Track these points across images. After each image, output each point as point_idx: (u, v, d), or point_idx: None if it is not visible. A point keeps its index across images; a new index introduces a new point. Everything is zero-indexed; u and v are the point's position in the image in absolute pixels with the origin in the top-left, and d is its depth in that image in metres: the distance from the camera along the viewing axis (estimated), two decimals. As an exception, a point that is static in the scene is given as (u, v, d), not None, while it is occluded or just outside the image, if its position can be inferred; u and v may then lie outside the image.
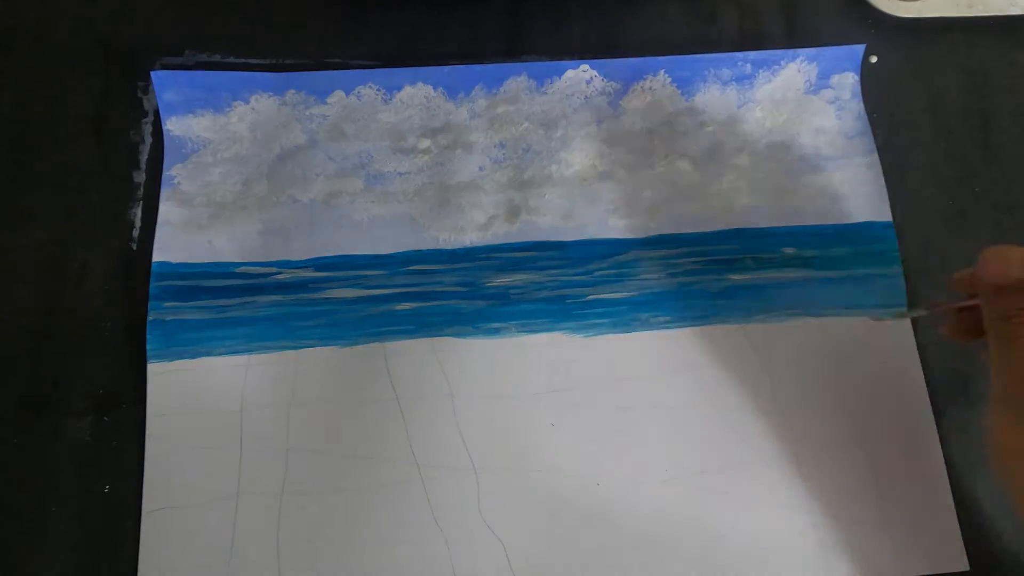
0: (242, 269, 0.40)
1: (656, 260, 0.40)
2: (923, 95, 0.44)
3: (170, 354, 0.38)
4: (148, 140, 0.42)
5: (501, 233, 0.41)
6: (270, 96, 0.42)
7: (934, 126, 0.44)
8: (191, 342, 0.38)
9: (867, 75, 0.44)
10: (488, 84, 0.43)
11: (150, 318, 0.38)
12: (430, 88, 0.43)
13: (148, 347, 0.38)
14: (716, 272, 0.40)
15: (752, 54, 0.44)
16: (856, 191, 0.42)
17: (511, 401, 0.38)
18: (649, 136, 0.43)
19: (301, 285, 0.39)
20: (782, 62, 0.44)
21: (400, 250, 0.40)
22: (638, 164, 0.42)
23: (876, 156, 0.42)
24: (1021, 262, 0.28)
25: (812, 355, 0.39)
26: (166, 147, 0.41)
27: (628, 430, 0.38)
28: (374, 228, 0.41)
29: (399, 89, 0.43)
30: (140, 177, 0.41)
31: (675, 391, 0.38)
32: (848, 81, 0.44)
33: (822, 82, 0.44)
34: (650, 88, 0.43)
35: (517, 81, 0.43)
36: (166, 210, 0.40)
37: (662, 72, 0.43)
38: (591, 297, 0.40)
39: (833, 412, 0.38)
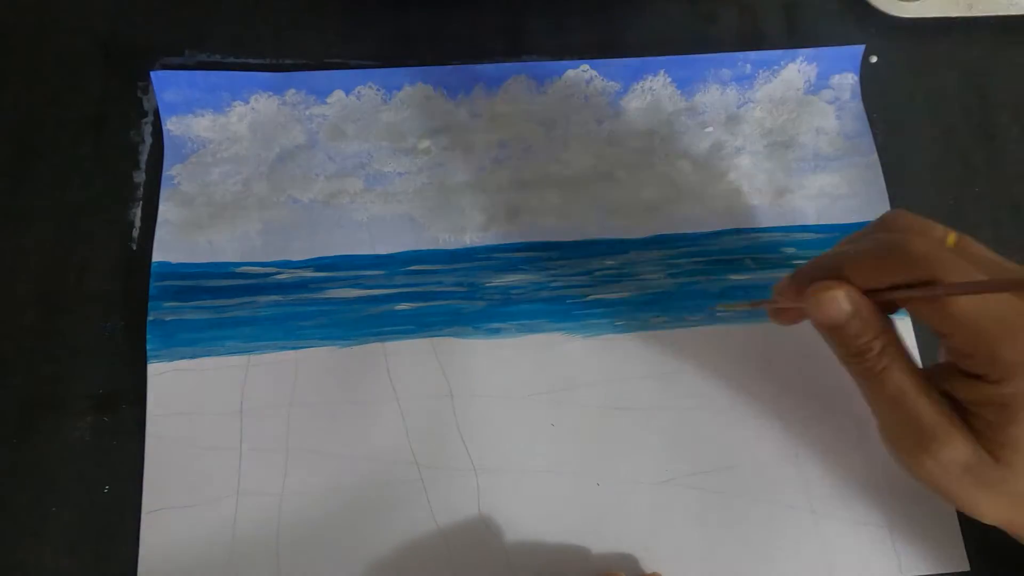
0: (242, 269, 0.40)
1: (656, 260, 0.40)
2: (923, 95, 0.44)
3: (170, 354, 0.38)
4: (148, 140, 0.42)
5: (501, 233, 0.41)
6: (270, 96, 0.42)
7: (934, 126, 0.44)
8: (191, 342, 0.38)
9: (867, 75, 0.44)
10: (488, 84, 0.43)
11: (150, 318, 0.38)
12: (430, 88, 0.43)
13: (148, 347, 0.38)
14: (716, 272, 0.40)
15: (752, 54, 0.44)
16: (856, 191, 0.42)
17: (511, 401, 0.38)
18: (649, 136, 0.43)
19: (301, 285, 0.39)
20: (782, 62, 0.44)
21: (400, 250, 0.40)
22: (638, 164, 0.42)
23: (876, 156, 0.42)
24: (846, 298, 0.27)
25: (812, 355, 0.39)
26: (166, 147, 0.41)
27: (628, 430, 0.38)
28: (374, 228, 0.41)
29: (399, 89, 0.43)
30: (140, 177, 0.41)
31: (675, 391, 0.38)
32: (848, 81, 0.44)
33: (822, 82, 0.44)
34: (650, 88, 0.43)
35: (517, 81, 0.43)
36: (166, 210, 0.40)
37: (662, 72, 0.43)
38: (591, 297, 0.40)
39: (833, 412, 0.38)
